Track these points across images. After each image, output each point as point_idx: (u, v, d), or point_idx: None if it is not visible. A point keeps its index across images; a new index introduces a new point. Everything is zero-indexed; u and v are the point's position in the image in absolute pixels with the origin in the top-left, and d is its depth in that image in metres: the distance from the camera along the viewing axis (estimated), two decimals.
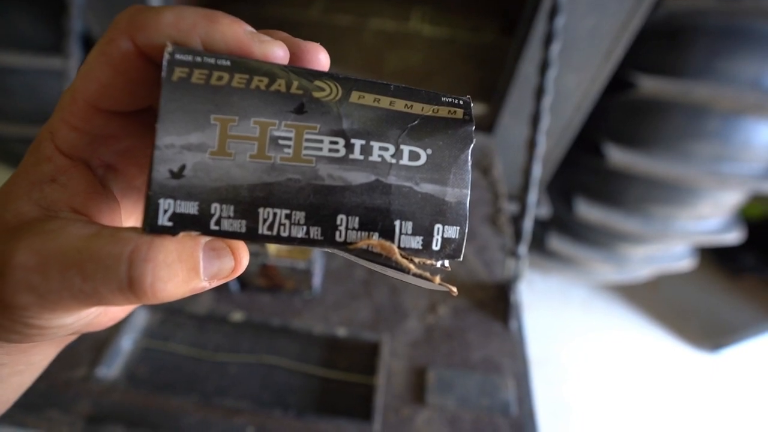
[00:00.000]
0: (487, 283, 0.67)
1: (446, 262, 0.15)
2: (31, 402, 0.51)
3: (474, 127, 0.15)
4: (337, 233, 0.13)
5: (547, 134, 0.97)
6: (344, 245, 0.14)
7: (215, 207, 0.13)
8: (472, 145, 0.14)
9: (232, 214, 0.13)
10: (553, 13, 0.62)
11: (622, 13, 0.77)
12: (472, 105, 0.15)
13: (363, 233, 0.14)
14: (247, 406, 0.53)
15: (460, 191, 0.14)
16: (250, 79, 0.13)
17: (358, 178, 0.13)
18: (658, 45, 0.90)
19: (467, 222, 0.14)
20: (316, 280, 0.62)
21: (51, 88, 1.05)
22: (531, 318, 1.53)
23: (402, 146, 0.14)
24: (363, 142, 0.14)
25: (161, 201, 0.13)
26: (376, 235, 0.14)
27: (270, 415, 0.52)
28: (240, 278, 0.61)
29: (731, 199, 1.05)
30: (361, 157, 0.14)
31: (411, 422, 0.53)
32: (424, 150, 0.14)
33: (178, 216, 0.13)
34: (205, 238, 0.13)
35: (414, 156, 0.14)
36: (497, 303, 0.65)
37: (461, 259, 0.14)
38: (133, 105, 0.15)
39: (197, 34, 0.13)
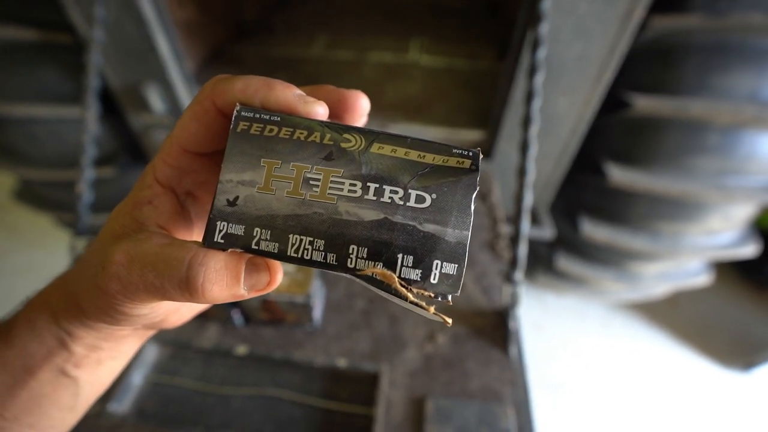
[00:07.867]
0: (486, 310, 0.67)
1: (449, 297, 0.16)
2: None
3: (479, 177, 0.16)
4: (349, 260, 0.16)
5: (545, 157, 0.99)
6: (354, 271, 0.16)
7: (257, 231, 0.16)
8: (475, 193, 0.16)
9: (268, 238, 0.16)
10: (535, 45, 0.64)
11: (607, 38, 0.79)
12: (480, 156, 0.17)
13: (370, 262, 0.16)
14: None
15: (461, 233, 0.16)
16: (293, 132, 0.17)
17: (370, 215, 0.16)
18: (651, 64, 0.91)
19: (465, 261, 0.16)
20: (317, 312, 0.64)
21: (73, 135, 1.12)
22: (544, 340, 1.51)
23: (410, 190, 0.16)
24: (377, 185, 0.16)
25: (218, 223, 0.16)
26: (380, 265, 0.16)
27: None
28: (243, 312, 0.63)
29: (742, 212, 1.03)
30: (374, 198, 0.16)
31: None
32: (430, 195, 0.16)
33: (228, 236, 0.16)
34: (249, 255, 0.17)
35: (420, 199, 0.16)
36: (496, 330, 0.65)
37: (458, 293, 0.16)
38: (210, 147, 0.19)
39: (258, 96, 0.17)
